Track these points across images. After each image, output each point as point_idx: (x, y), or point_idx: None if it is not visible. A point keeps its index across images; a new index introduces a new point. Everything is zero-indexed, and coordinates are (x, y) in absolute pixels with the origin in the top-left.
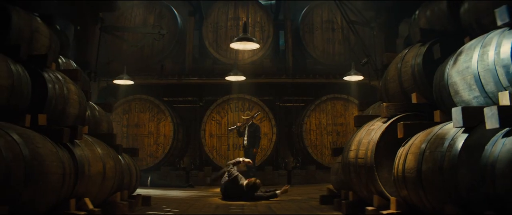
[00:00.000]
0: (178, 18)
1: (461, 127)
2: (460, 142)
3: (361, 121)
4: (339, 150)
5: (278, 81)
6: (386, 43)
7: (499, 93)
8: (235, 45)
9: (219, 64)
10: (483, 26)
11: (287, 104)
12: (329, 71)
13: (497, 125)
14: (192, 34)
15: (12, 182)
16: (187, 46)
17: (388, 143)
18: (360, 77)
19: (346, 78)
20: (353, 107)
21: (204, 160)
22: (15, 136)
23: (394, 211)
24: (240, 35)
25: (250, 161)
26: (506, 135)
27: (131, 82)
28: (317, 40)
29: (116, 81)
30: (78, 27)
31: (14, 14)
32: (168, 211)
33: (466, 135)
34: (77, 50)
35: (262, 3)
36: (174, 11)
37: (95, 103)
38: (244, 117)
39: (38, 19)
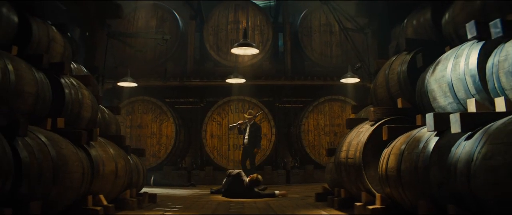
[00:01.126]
0: (180, 22)
1: (433, 130)
2: (431, 144)
3: (352, 124)
4: (333, 151)
5: (277, 83)
6: (379, 48)
7: (468, 100)
8: (235, 51)
9: (220, 66)
10: (460, 37)
11: (286, 105)
12: (326, 73)
13: (459, 130)
14: (193, 37)
15: (44, 180)
16: (188, 49)
17: (375, 145)
18: (357, 80)
19: (343, 80)
20: (350, 108)
21: (205, 160)
22: (43, 139)
23: (379, 206)
24: (241, 40)
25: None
26: (467, 138)
27: (134, 84)
28: (315, 43)
29: (120, 84)
30: (87, 33)
31: (34, 25)
32: (173, 208)
33: (437, 138)
34: (86, 55)
35: (260, 4)
36: (175, 15)
37: (104, 106)
38: (247, 116)
39: (53, 28)
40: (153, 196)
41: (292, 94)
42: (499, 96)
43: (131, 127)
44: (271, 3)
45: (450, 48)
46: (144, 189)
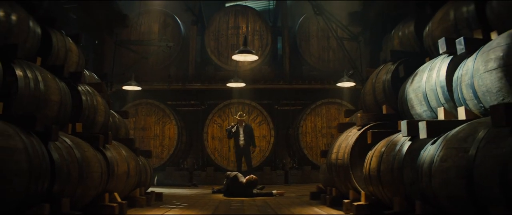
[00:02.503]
0: (181, 27)
1: (407, 136)
2: (405, 148)
3: (342, 128)
4: (326, 152)
5: (276, 87)
6: (371, 55)
7: (438, 108)
8: (236, 57)
9: (220, 70)
10: (438, 49)
11: (285, 108)
12: (324, 77)
13: (425, 136)
14: (195, 42)
15: (71, 179)
16: (190, 53)
17: (361, 147)
18: (352, 84)
19: (339, 84)
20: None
21: (206, 161)
22: (69, 142)
23: (363, 203)
24: (241, 47)
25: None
26: (432, 143)
27: (138, 88)
28: (313, 47)
29: (125, 87)
30: (96, 42)
31: (54, 37)
32: (179, 205)
33: (409, 143)
34: (95, 62)
35: (259, 8)
36: (177, 20)
37: (114, 111)
38: (238, 118)
39: (70, 39)
40: (159, 195)
41: (291, 97)
42: (462, 106)
43: (134, 129)
44: (270, 6)
45: (430, 59)
46: (150, 188)
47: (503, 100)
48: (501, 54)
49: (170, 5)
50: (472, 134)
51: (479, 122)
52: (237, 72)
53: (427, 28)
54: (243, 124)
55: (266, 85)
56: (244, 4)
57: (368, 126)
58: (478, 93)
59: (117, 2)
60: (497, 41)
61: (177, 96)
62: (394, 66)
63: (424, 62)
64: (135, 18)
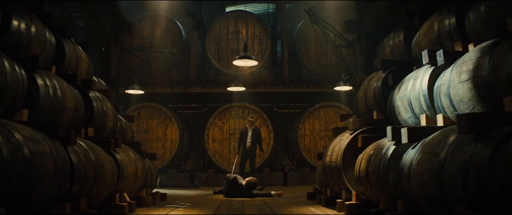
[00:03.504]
0: (183, 32)
1: (392, 141)
2: (390, 152)
3: (336, 132)
4: (321, 155)
5: (275, 91)
6: (365, 61)
7: (421, 115)
8: (237, 62)
9: (221, 74)
10: None
11: (284, 111)
12: (322, 81)
13: (406, 141)
14: (196, 47)
15: (87, 180)
16: (191, 58)
17: (353, 151)
18: (349, 87)
19: (337, 88)
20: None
21: (207, 163)
22: (85, 146)
23: (354, 202)
24: (241, 53)
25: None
26: (413, 147)
27: (141, 92)
28: (312, 52)
29: (128, 91)
30: (103, 49)
31: (66, 46)
32: (182, 205)
33: (394, 147)
34: (102, 68)
35: (259, 11)
36: (179, 25)
37: (120, 115)
38: (250, 119)
39: (80, 48)
40: (163, 195)
41: (290, 100)
42: (441, 113)
43: (137, 132)
44: (270, 10)
45: (417, 68)
46: (154, 189)
47: (473, 108)
48: (472, 67)
49: (172, 10)
50: (444, 140)
51: (450, 129)
52: (237, 76)
53: (415, 39)
54: (253, 126)
55: (265, 88)
56: (244, 9)
57: (359, 130)
58: (453, 102)
59: (120, 7)
60: (469, 55)
61: (179, 99)
62: (384, 74)
63: (412, 71)
64: (137, 23)
